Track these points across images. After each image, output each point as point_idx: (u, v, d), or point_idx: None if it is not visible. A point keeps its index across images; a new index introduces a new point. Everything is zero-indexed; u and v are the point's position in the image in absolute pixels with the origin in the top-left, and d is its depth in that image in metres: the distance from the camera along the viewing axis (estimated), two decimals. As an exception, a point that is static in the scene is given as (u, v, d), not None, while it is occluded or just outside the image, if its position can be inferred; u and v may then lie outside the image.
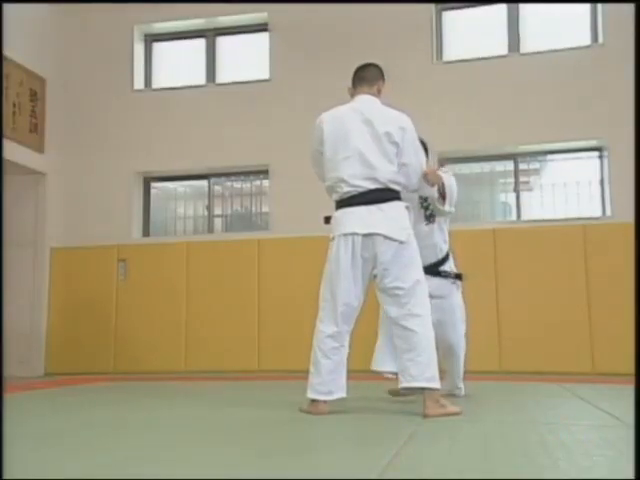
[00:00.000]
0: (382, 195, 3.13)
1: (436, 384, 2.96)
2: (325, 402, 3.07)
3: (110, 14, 7.68)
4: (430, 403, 2.94)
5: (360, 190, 3.13)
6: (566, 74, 6.66)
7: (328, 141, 3.25)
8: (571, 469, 1.81)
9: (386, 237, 3.08)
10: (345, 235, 3.13)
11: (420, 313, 3.04)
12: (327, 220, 3.34)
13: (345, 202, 3.18)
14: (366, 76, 3.43)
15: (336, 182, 3.19)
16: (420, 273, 3.14)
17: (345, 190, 3.16)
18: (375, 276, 3.15)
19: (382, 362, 3.47)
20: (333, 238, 3.20)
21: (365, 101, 3.34)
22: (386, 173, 3.15)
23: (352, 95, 3.43)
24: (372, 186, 3.13)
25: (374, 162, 3.14)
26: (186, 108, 7.48)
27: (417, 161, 3.28)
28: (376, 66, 3.44)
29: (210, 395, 4.49)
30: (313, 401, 3.09)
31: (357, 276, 3.13)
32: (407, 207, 3.24)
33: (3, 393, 4.10)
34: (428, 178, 3.33)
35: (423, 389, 2.97)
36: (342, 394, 3.11)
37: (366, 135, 3.18)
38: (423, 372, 2.95)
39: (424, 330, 3.02)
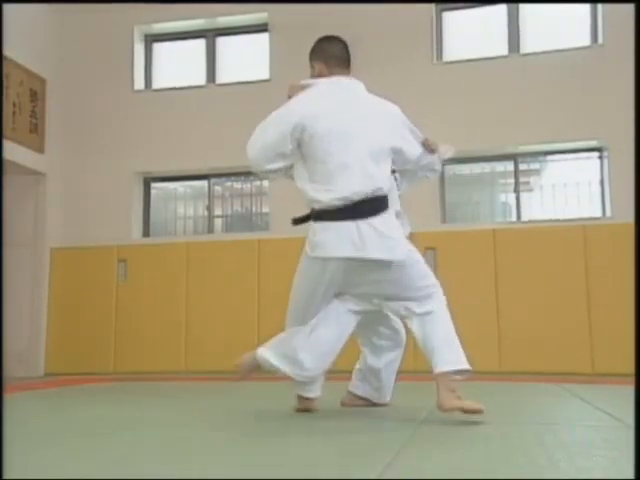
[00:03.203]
0: (373, 206, 2.70)
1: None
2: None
3: (110, 14, 7.68)
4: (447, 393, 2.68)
5: (349, 202, 2.68)
6: (566, 74, 6.66)
7: (319, 142, 2.72)
8: (571, 469, 1.81)
9: (383, 261, 2.69)
10: (329, 259, 2.72)
11: (438, 310, 2.79)
12: (297, 222, 2.87)
13: (329, 215, 2.71)
14: (346, 56, 2.96)
15: (325, 194, 2.70)
16: (431, 277, 2.84)
17: (331, 203, 2.69)
18: (372, 295, 2.86)
19: (357, 386, 3.33)
20: (311, 257, 2.77)
21: (356, 90, 2.91)
22: (383, 182, 2.75)
23: (322, 75, 2.93)
24: (363, 196, 2.68)
25: (373, 171, 2.73)
26: (186, 108, 7.48)
27: (419, 142, 2.95)
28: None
29: (210, 395, 4.49)
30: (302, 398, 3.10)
31: (329, 296, 2.86)
32: (397, 212, 2.95)
33: (3, 393, 4.10)
34: (428, 143, 2.96)
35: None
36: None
37: (369, 136, 2.77)
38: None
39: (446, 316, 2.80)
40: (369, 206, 2.70)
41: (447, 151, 3.07)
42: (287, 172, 2.93)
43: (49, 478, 1.78)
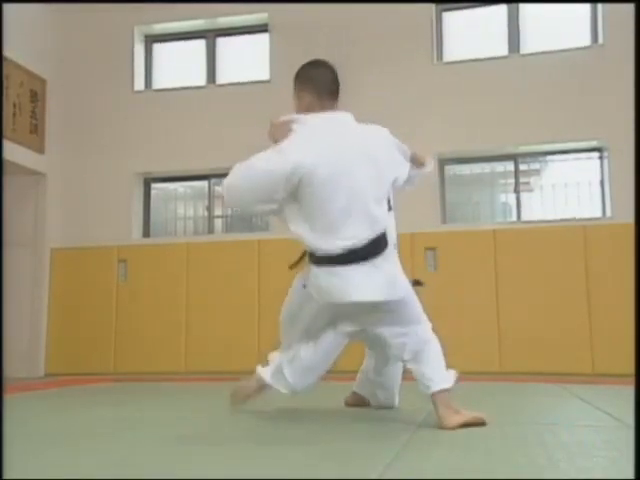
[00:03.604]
0: (376, 247, 2.60)
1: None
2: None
3: (110, 14, 7.68)
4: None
5: (353, 247, 2.56)
6: (566, 74, 6.66)
7: (320, 189, 2.54)
8: (571, 469, 1.81)
9: (386, 301, 2.63)
10: (334, 304, 2.68)
11: (428, 338, 2.75)
12: (293, 266, 2.84)
13: (332, 260, 2.59)
14: (337, 86, 2.75)
15: (329, 243, 2.57)
16: (423, 314, 2.79)
17: (335, 251, 2.57)
18: (365, 322, 2.80)
19: (360, 387, 3.33)
20: (315, 299, 2.72)
21: (350, 125, 2.72)
22: (385, 221, 2.66)
23: (312, 108, 2.71)
24: (367, 240, 2.58)
25: (377, 213, 2.62)
26: (186, 109, 7.48)
27: (407, 158, 2.88)
28: None
29: (210, 395, 4.48)
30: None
31: (324, 321, 2.86)
32: (394, 245, 2.77)
33: (3, 393, 4.10)
34: (417, 157, 2.89)
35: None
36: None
37: (372, 178, 2.62)
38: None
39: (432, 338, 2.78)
40: (372, 248, 2.59)
41: (429, 164, 3.01)
42: (274, 212, 2.71)
43: (49, 478, 1.78)
